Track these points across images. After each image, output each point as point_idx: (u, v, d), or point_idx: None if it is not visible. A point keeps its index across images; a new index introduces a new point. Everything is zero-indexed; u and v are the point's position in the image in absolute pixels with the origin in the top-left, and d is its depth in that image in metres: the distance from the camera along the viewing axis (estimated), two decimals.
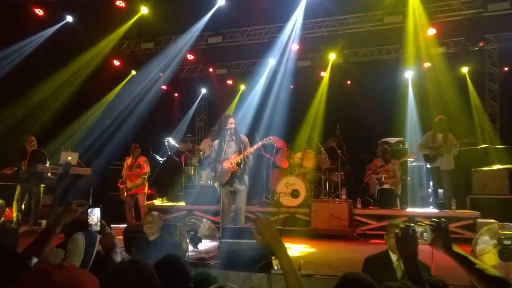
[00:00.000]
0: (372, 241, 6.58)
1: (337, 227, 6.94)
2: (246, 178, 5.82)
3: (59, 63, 9.02)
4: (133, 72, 10.96)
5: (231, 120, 5.74)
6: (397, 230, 1.86)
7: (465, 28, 8.89)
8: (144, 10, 8.83)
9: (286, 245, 5.46)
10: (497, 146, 8.44)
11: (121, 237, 4.65)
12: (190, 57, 10.70)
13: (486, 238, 3.33)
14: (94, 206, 2.15)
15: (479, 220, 6.24)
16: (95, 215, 2.22)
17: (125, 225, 6.04)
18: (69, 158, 7.61)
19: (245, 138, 5.90)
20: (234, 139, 5.75)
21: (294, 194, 7.83)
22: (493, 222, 4.21)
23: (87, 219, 2.21)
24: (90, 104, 10.21)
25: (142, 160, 7.94)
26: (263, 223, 1.81)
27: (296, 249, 5.77)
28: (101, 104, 10.41)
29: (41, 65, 9.07)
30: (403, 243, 1.82)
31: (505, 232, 3.29)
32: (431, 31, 8.84)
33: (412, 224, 1.86)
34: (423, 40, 9.16)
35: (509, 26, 9.07)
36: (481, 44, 9.21)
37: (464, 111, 9.65)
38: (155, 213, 4.06)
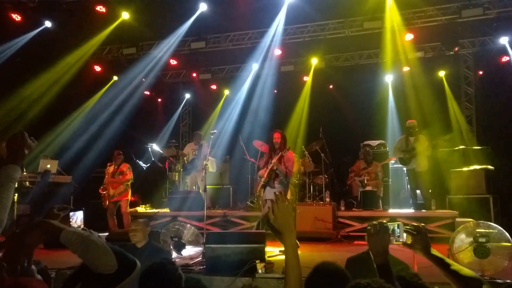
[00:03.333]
0: (355, 242, 6.67)
1: (322, 229, 7.02)
2: (279, 187, 5.80)
3: (38, 68, 8.85)
4: (115, 78, 10.86)
5: (275, 134, 5.92)
6: (369, 227, 1.90)
7: (441, 34, 9.14)
8: (125, 15, 8.76)
9: (270, 249, 5.49)
10: (474, 147, 8.68)
11: None
12: (173, 62, 10.68)
13: (462, 236, 3.44)
14: (75, 210, 2.13)
15: (458, 219, 6.40)
16: (78, 218, 2.20)
17: (107, 233, 5.98)
18: (48, 166, 7.49)
19: (289, 155, 5.87)
20: (279, 153, 5.81)
21: None
22: (470, 221, 4.34)
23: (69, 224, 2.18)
24: (71, 110, 10.05)
25: (125, 167, 7.86)
26: (281, 206, 1.81)
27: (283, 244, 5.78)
28: (82, 110, 10.26)
29: (19, 71, 8.90)
30: (374, 239, 1.85)
31: (480, 230, 3.41)
32: (409, 36, 9.07)
33: (385, 221, 1.92)
34: (402, 45, 9.38)
35: (483, 32, 9.37)
36: (456, 48, 9.47)
37: (442, 113, 9.91)
38: (140, 220, 4.04)
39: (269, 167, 5.82)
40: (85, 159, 9.33)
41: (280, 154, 5.76)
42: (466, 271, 1.76)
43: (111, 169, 7.86)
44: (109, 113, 10.20)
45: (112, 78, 10.87)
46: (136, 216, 7.45)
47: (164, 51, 9.71)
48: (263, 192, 5.93)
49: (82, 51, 9.22)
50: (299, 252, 5.86)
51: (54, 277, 2.79)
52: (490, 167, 7.70)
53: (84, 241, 1.61)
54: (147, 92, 11.76)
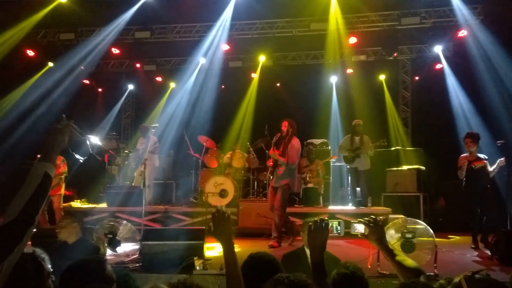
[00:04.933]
0: (296, 238, 6.80)
1: (264, 225, 7.07)
2: (282, 177, 6.07)
3: None
4: (50, 64, 10.15)
5: (283, 123, 6.19)
6: (311, 223, 1.99)
7: (382, 39, 9.59)
8: None
9: (212, 245, 5.44)
10: (408, 148, 9.23)
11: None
12: (116, 51, 10.19)
13: (391, 232, 3.63)
14: None
15: (391, 215, 6.77)
16: None
17: (34, 230, 5.59)
18: None
19: (294, 142, 6.09)
20: (284, 141, 6.10)
21: (223, 194, 7.84)
22: (400, 218, 4.59)
23: None
24: None
25: (59, 159, 7.39)
26: (220, 216, 1.91)
27: (221, 248, 5.76)
28: (11, 98, 9.45)
29: None
30: (314, 234, 1.97)
31: (407, 226, 3.62)
32: (352, 40, 9.40)
33: (326, 218, 1.99)
34: (346, 47, 9.71)
35: (420, 39, 9.96)
36: (395, 54, 10.00)
37: (381, 115, 10.41)
38: (68, 218, 3.88)
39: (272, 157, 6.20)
40: (14, 151, 8.63)
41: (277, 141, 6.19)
42: (408, 262, 1.94)
43: None
44: (43, 101, 9.51)
45: (46, 64, 10.15)
46: (70, 212, 7.03)
47: (106, 39, 9.23)
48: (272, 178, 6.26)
49: (12, 33, 8.47)
50: (239, 248, 5.87)
51: None
52: (421, 167, 8.23)
53: None
54: (86, 81, 11.14)
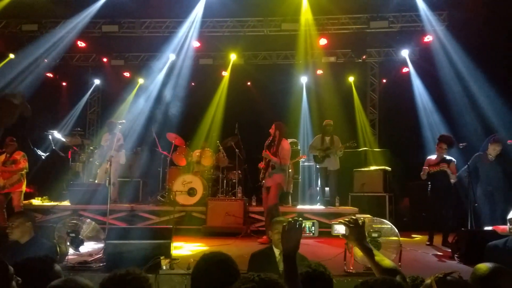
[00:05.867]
0: (264, 237, 6.80)
1: (232, 224, 7.05)
2: (273, 175, 6.18)
3: None
4: (11, 56, 9.70)
5: (272, 126, 6.34)
6: (285, 223, 1.98)
7: (351, 41, 9.77)
8: None
9: (180, 244, 5.37)
10: (375, 149, 9.45)
11: None
12: (81, 44, 9.84)
13: None
14: None
15: (357, 215, 6.90)
16: None
17: None
18: None
19: (283, 144, 6.19)
20: (274, 144, 6.21)
21: (191, 192, 7.73)
22: (367, 217, 4.68)
23: None
24: None
25: (19, 155, 7.10)
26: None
27: (189, 247, 5.70)
28: None
29: None
30: (287, 235, 1.94)
31: (373, 225, 3.69)
32: (323, 41, 9.52)
33: (300, 219, 1.99)
34: (316, 48, 9.81)
35: (387, 43, 10.22)
36: (364, 57, 10.21)
37: (349, 116, 10.61)
38: (21, 217, 3.71)
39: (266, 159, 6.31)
40: None
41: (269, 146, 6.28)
42: (386, 262, 1.98)
43: (2, 157, 7.09)
44: (1, 94, 9.01)
45: (7, 56, 9.70)
46: (24, 211, 6.72)
47: (71, 32, 8.88)
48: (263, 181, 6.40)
49: None
50: (206, 247, 5.79)
51: None
52: (387, 168, 8.45)
53: None
54: (49, 74, 10.68)
